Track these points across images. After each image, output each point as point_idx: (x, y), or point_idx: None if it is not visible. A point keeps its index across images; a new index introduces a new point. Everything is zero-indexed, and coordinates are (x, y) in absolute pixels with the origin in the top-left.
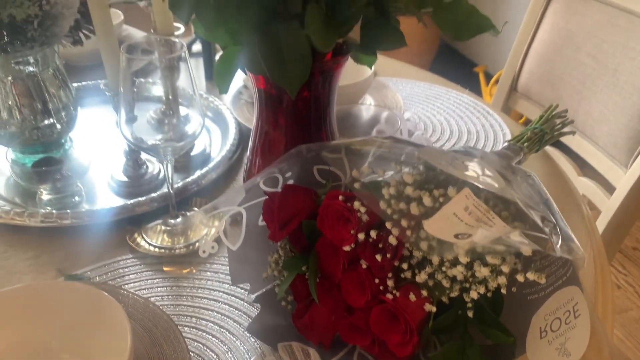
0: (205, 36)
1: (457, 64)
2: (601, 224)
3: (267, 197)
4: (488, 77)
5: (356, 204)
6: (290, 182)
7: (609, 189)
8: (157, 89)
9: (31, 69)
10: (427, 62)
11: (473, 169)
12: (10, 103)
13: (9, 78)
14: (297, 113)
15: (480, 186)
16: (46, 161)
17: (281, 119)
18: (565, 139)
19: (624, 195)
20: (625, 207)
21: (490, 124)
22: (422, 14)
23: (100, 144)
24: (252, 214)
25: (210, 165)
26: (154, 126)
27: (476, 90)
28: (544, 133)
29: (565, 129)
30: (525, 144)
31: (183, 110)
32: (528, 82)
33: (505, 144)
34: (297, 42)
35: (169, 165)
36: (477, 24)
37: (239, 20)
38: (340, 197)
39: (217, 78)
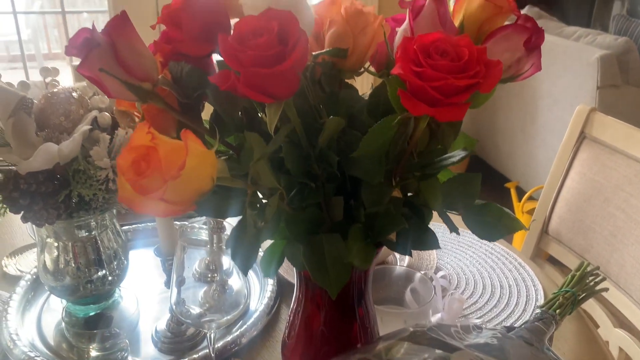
0: None
1: (488, 178)
2: None
3: None
4: (520, 192)
5: None
6: None
7: None
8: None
9: (91, 232)
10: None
11: None
12: (68, 260)
13: (70, 242)
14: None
15: None
16: (97, 320)
17: (320, 299)
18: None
19: None
20: None
21: (523, 278)
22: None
23: (147, 292)
24: None
25: (249, 322)
26: (198, 283)
27: (508, 205)
28: (575, 296)
29: (599, 287)
30: (557, 311)
31: (226, 269)
32: (559, 227)
33: (538, 310)
34: (338, 252)
35: (212, 335)
36: (506, 226)
37: (287, 231)
38: None
39: (264, 265)
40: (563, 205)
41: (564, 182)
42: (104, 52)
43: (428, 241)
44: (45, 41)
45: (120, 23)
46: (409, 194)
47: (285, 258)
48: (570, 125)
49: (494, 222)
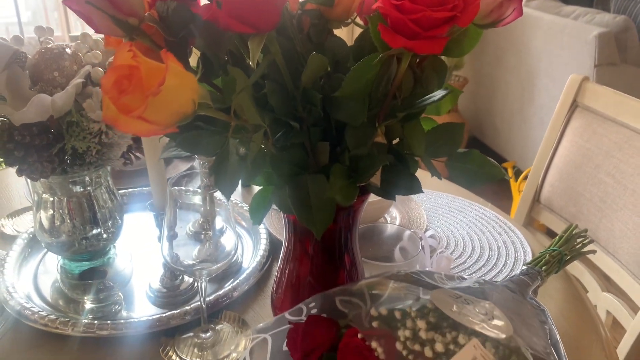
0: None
1: None
2: (626, 344)
3: (291, 325)
4: (517, 172)
5: (373, 344)
6: (314, 311)
7: (634, 306)
8: (197, 198)
9: (86, 188)
10: None
11: (483, 315)
12: (63, 217)
13: (65, 197)
14: (323, 241)
15: (489, 335)
16: (91, 273)
17: (308, 245)
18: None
19: None
20: None
21: (512, 241)
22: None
23: (141, 251)
24: (277, 340)
25: (241, 277)
26: (192, 240)
27: (505, 185)
28: (562, 255)
29: (586, 248)
30: (544, 268)
31: (220, 228)
32: (550, 195)
33: (524, 267)
34: (322, 192)
35: (203, 284)
36: (488, 173)
37: (273, 172)
38: (359, 335)
39: (252, 213)
40: (555, 173)
41: (556, 150)
42: None
43: (411, 186)
44: (45, 23)
45: None
46: (394, 142)
47: (273, 206)
48: (563, 94)
49: (476, 169)
